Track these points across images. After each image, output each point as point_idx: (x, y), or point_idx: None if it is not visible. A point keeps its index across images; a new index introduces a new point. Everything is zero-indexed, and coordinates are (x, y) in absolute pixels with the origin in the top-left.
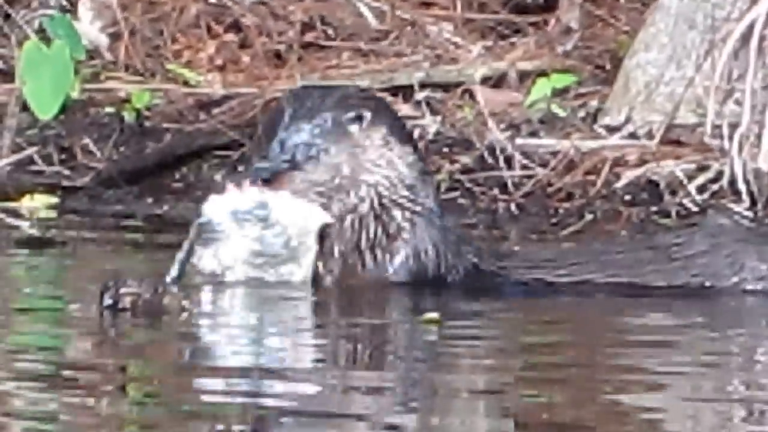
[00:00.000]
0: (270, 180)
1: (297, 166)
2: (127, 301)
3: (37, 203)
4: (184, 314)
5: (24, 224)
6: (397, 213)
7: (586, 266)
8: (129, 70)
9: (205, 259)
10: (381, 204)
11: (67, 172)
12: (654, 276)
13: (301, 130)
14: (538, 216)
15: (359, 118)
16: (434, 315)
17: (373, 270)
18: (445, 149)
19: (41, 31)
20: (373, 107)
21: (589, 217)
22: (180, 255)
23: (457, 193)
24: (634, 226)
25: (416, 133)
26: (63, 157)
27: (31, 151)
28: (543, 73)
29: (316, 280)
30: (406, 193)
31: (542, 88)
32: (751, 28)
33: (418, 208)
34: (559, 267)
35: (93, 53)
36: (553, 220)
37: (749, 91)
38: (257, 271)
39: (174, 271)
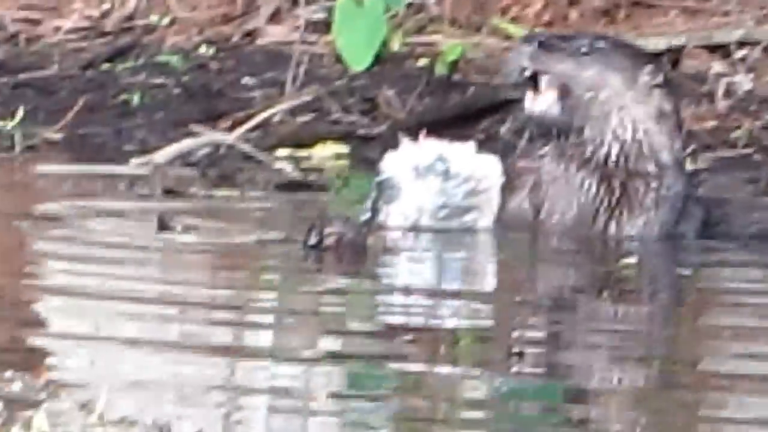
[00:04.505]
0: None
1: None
2: (331, 240)
3: (328, 152)
4: (387, 254)
5: (288, 168)
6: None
7: None
8: (454, 25)
9: (392, 216)
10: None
11: (364, 121)
12: None
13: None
14: None
15: (653, 73)
16: (632, 260)
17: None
18: (753, 107)
19: None
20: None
21: None
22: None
23: (751, 150)
24: None
25: (724, 90)
26: (364, 107)
27: (308, 97)
28: None
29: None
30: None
31: None
32: None
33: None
34: None
35: (420, 7)
36: None
37: None
38: (441, 222)
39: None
